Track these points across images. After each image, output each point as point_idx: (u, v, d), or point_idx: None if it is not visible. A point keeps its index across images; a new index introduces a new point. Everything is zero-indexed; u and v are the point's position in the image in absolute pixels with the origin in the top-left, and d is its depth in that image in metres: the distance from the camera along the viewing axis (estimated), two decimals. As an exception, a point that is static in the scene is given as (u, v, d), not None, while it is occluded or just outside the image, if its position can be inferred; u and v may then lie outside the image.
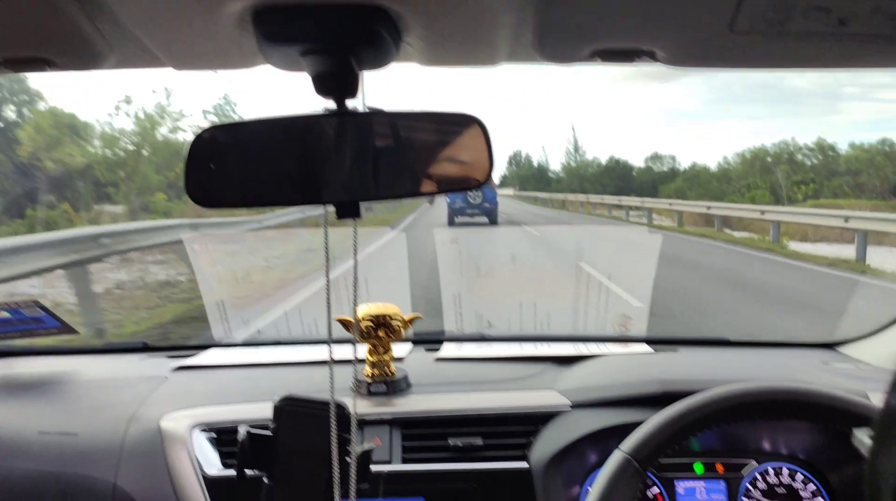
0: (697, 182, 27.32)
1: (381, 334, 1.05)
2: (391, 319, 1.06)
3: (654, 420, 0.79)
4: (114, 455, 0.98)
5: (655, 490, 1.00)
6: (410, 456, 0.96)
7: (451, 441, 0.96)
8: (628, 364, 1.13)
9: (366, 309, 1.06)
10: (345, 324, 1.05)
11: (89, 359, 1.34)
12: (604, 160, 42.90)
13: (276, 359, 1.23)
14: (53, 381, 1.17)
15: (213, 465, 0.94)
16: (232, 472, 0.93)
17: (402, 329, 1.07)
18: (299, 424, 0.83)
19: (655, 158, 40.31)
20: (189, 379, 1.16)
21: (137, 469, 0.97)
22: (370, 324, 1.05)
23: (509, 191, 37.47)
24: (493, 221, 13.59)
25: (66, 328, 1.31)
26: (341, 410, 0.84)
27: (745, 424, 0.89)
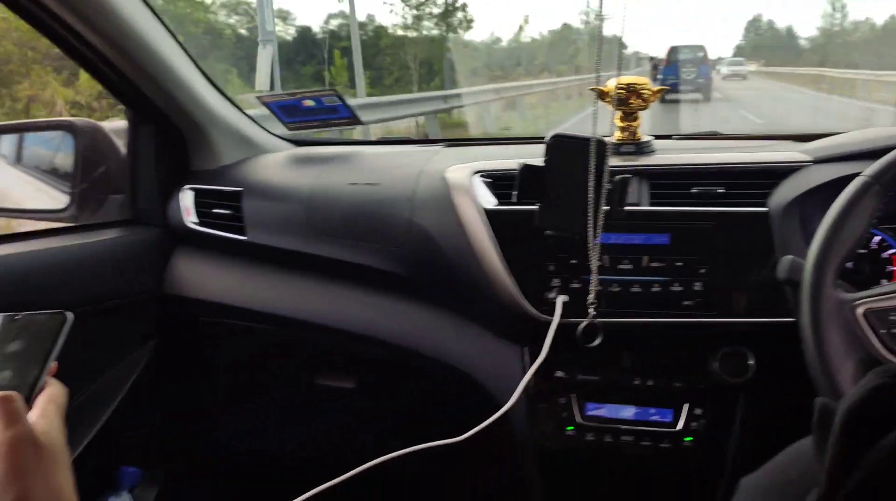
0: None
1: (631, 101, 1.18)
2: (641, 88, 1.18)
3: None
4: (408, 200, 1.23)
5: (878, 238, 1.06)
6: (657, 201, 1.10)
7: (695, 189, 1.09)
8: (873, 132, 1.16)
9: (617, 80, 1.18)
10: (600, 93, 1.18)
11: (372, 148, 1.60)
12: (880, 21, 29.82)
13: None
14: (354, 153, 1.44)
15: (491, 202, 1.14)
16: (506, 206, 1.13)
17: (651, 98, 1.19)
18: (566, 157, 1.00)
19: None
20: (461, 150, 1.37)
21: (428, 208, 1.20)
22: (622, 92, 1.17)
23: (751, 66, 27.42)
24: (706, 97, 12.68)
25: (355, 119, 1.57)
26: (602, 144, 0.99)
27: None
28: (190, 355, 1.46)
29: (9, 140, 1.82)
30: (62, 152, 1.46)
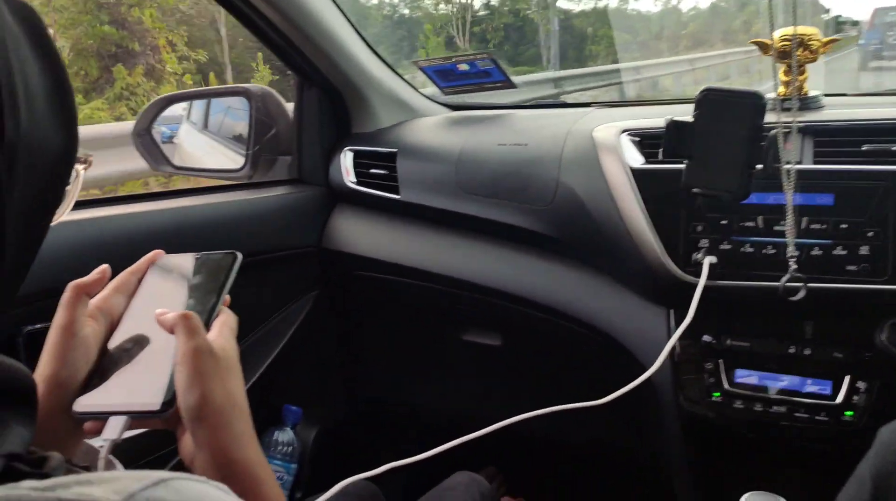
0: None
1: (798, 54, 1.10)
2: (809, 39, 1.10)
3: None
4: (555, 159, 1.23)
5: None
6: (822, 160, 1.02)
7: (866, 147, 1.00)
8: None
9: (782, 31, 1.11)
10: (761, 46, 1.12)
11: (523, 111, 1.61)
12: None
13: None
14: (505, 115, 1.45)
15: (638, 161, 1.12)
16: (653, 165, 1.10)
17: (820, 50, 1.10)
18: (718, 112, 0.96)
19: None
20: (612, 111, 1.35)
21: (575, 168, 1.19)
22: (787, 44, 1.10)
23: None
24: None
25: (508, 83, 1.58)
26: (757, 98, 0.94)
27: None
28: (346, 306, 1.56)
29: (197, 108, 2.01)
30: (240, 118, 1.59)
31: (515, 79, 1.58)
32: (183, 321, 0.56)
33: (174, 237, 1.24)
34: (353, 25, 1.45)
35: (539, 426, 1.41)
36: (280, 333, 1.42)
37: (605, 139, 1.16)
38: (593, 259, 1.20)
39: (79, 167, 0.54)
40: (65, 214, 0.53)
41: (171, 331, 0.57)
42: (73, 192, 0.54)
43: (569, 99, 7.40)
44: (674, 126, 0.97)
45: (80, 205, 1.16)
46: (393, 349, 1.58)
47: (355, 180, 1.49)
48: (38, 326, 1.01)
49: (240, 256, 0.68)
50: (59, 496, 0.29)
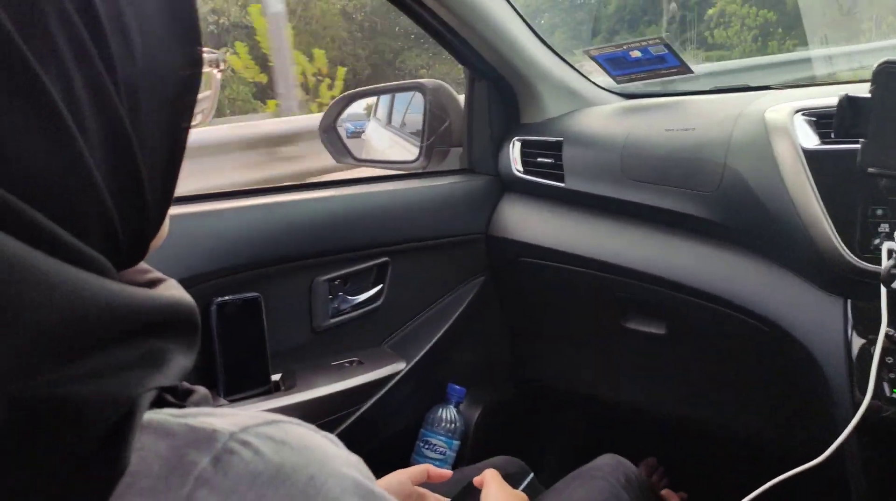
0: None
1: None
2: None
3: None
4: (724, 143, 1.18)
5: None
6: None
7: None
8: None
9: None
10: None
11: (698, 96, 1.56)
12: None
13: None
14: (675, 101, 1.42)
15: (812, 141, 1.06)
16: (827, 146, 1.04)
17: None
18: (899, 85, 0.88)
19: None
20: (792, 92, 1.28)
21: (744, 151, 1.15)
22: None
23: None
24: None
25: (684, 68, 1.53)
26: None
27: None
28: (511, 291, 1.60)
29: (383, 105, 2.15)
30: (414, 110, 1.69)
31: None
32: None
33: (353, 222, 1.35)
34: (522, 18, 1.49)
35: (701, 417, 1.37)
36: (447, 314, 1.49)
37: (777, 120, 1.11)
38: (762, 247, 1.15)
39: (214, 72, 0.51)
40: (209, 118, 0.52)
41: None
42: (213, 98, 0.52)
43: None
44: (847, 102, 0.91)
45: (269, 191, 1.31)
46: (555, 333, 1.60)
47: (522, 169, 1.53)
48: (226, 298, 1.15)
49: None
50: (188, 422, 0.34)
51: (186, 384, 0.41)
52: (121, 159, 0.36)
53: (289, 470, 0.34)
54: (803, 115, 1.09)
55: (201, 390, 0.41)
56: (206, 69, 0.44)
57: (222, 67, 0.51)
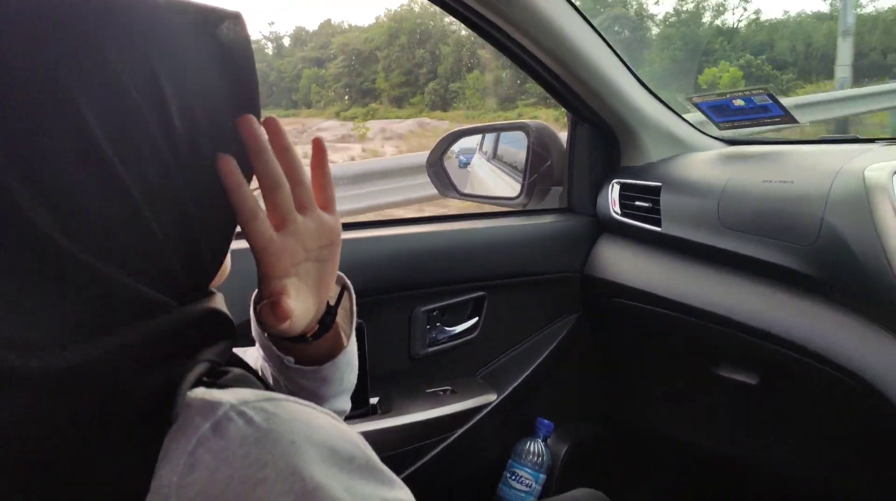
0: None
1: None
2: None
3: None
4: (822, 198, 1.19)
5: None
6: None
7: None
8: None
9: None
10: None
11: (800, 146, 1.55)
12: None
13: None
14: (776, 151, 1.43)
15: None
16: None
17: None
18: None
19: None
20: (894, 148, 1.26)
21: (842, 208, 1.15)
22: None
23: None
24: None
25: (789, 118, 1.53)
26: None
27: None
28: (603, 331, 1.63)
29: (488, 140, 2.23)
30: (520, 149, 1.76)
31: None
32: None
33: (454, 257, 1.44)
34: (626, 65, 1.53)
35: (789, 469, 1.36)
36: (539, 350, 1.54)
37: (877, 179, 1.11)
38: (857, 302, 1.15)
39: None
40: None
41: None
42: None
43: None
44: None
45: (377, 224, 1.41)
46: (646, 375, 1.62)
47: (620, 212, 1.57)
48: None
49: None
50: (203, 396, 0.44)
51: (225, 367, 0.51)
52: (184, 234, 0.48)
53: (275, 435, 0.41)
54: (903, 176, 1.08)
55: (236, 371, 0.51)
56: None
57: None
